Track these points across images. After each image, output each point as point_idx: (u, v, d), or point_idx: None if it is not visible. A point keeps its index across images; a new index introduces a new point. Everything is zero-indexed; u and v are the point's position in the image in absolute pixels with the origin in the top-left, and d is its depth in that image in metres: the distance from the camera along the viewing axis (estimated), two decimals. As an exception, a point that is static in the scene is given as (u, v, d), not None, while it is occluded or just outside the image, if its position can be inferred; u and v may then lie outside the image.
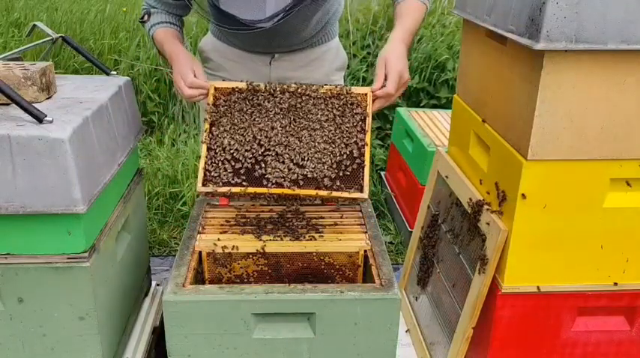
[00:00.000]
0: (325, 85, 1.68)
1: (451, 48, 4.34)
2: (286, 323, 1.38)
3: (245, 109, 1.66)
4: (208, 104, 1.67)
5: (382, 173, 3.60)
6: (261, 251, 1.54)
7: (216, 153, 1.63)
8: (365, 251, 1.57)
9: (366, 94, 1.64)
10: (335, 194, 1.57)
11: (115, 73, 1.92)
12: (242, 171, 1.61)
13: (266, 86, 1.68)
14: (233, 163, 1.62)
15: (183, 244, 1.56)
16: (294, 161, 1.60)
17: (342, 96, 1.65)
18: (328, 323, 1.36)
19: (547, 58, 1.26)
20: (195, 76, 1.69)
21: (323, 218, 1.70)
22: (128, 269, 1.80)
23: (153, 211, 3.24)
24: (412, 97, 4.28)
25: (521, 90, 1.37)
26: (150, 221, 3.15)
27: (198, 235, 1.59)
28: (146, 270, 2.06)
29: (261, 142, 1.62)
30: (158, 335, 1.91)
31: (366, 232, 1.63)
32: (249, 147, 1.62)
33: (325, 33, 2.05)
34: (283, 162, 1.60)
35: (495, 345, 1.53)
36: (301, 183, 1.58)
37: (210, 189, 1.60)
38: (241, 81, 1.70)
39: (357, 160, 1.60)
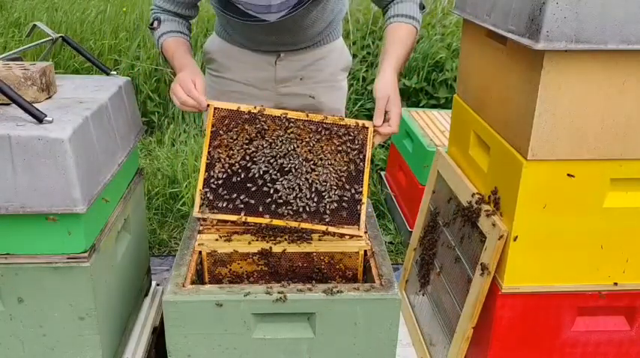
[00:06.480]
0: (330, 116, 1.64)
1: (450, 47, 4.34)
2: (286, 323, 1.38)
3: (248, 131, 1.61)
4: (209, 124, 1.61)
5: (382, 173, 3.60)
6: (261, 251, 1.54)
7: (214, 174, 1.59)
8: (365, 251, 1.57)
9: (367, 128, 1.63)
10: (331, 229, 1.56)
11: (115, 73, 1.92)
12: (242, 198, 1.58)
13: (266, 114, 1.61)
14: (232, 184, 1.58)
15: (183, 244, 1.56)
16: (298, 193, 1.58)
17: (342, 128, 1.62)
18: (328, 323, 1.36)
19: (547, 58, 1.26)
20: (195, 86, 1.64)
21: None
22: (128, 269, 1.80)
23: (153, 211, 3.24)
24: (412, 97, 4.29)
25: (521, 90, 1.37)
26: (150, 221, 3.15)
27: (198, 235, 1.59)
28: (146, 270, 2.06)
29: (262, 168, 1.59)
30: (158, 335, 1.91)
31: (366, 232, 1.63)
32: (249, 171, 1.59)
33: (330, 32, 2.05)
34: (292, 191, 1.58)
35: (495, 345, 1.53)
36: (304, 215, 1.57)
37: (206, 215, 1.58)
38: (238, 107, 1.63)
39: (356, 196, 1.59)
